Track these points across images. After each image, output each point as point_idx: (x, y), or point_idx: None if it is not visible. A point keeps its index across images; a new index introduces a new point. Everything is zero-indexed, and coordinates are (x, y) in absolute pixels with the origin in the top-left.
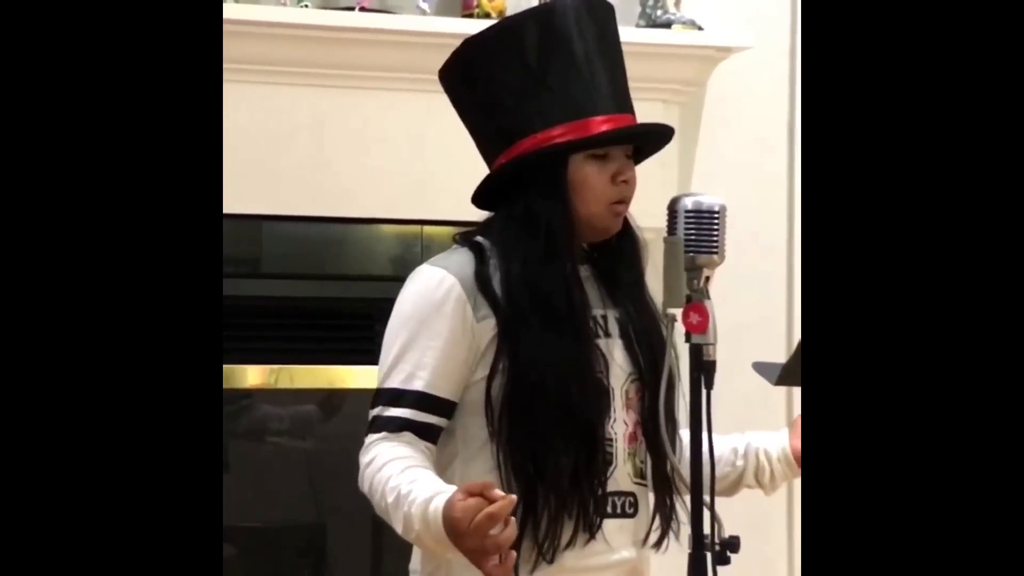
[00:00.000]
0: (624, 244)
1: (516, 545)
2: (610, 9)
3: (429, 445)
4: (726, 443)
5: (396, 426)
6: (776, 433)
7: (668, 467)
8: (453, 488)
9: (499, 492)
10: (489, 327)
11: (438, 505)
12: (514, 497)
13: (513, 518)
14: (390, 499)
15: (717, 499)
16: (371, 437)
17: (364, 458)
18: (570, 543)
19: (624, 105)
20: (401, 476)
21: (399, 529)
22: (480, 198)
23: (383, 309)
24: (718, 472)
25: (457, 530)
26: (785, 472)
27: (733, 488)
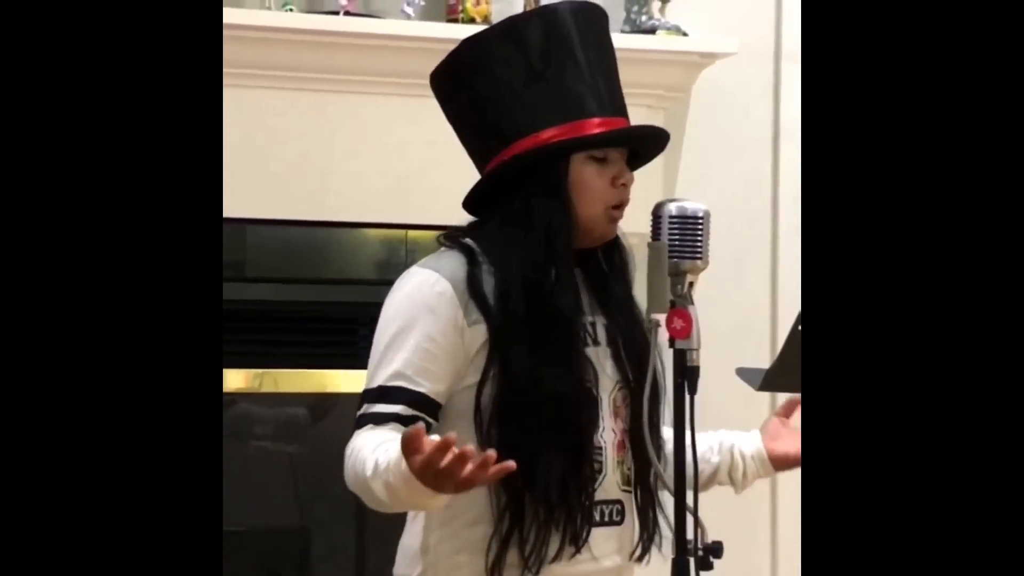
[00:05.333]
0: (612, 255)
1: (501, 554)
2: (606, 19)
3: None
4: (702, 440)
5: (382, 420)
6: (747, 433)
7: (651, 475)
8: None
9: (473, 449)
10: (480, 332)
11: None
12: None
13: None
14: (369, 471)
15: (700, 503)
16: (357, 432)
17: (348, 450)
18: (557, 556)
19: (620, 110)
20: (379, 449)
21: (375, 491)
22: (472, 201)
23: (367, 313)
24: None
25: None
26: (758, 470)
27: (706, 484)
